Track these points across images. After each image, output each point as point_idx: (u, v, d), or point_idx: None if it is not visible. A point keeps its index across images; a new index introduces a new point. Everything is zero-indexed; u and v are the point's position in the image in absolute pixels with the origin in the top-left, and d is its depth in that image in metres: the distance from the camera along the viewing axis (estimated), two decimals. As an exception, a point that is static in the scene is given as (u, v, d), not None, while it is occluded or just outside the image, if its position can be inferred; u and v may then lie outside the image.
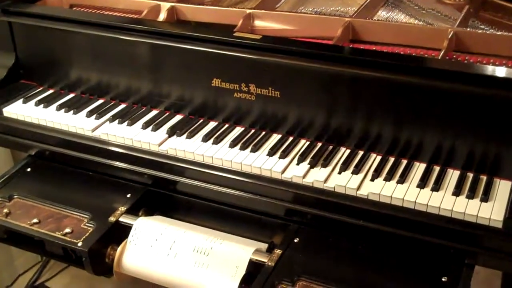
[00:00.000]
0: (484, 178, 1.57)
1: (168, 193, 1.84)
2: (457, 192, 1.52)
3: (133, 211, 1.80)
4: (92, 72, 2.05)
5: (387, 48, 1.83)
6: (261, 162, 1.68)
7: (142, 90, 1.97)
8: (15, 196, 1.87)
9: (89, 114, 1.95)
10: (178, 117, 1.92)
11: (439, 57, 1.71)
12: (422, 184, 1.55)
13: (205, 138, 1.79)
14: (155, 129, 1.86)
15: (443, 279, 1.47)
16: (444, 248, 1.50)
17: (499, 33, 1.82)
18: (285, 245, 1.62)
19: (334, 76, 1.68)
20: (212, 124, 1.87)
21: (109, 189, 1.88)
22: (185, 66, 1.87)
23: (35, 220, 1.76)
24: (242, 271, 1.57)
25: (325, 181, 1.60)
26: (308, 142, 1.75)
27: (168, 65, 1.90)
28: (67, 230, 1.72)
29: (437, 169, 1.62)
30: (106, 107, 1.99)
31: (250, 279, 1.55)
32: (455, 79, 1.55)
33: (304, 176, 1.62)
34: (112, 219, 1.74)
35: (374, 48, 1.84)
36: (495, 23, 1.92)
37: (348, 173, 1.62)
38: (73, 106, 2.00)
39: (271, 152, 1.71)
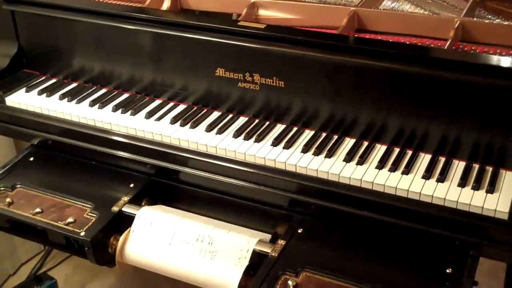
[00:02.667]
0: (490, 169, 1.56)
1: (171, 183, 1.83)
2: (462, 183, 1.51)
3: (136, 201, 1.79)
4: (95, 61, 2.04)
5: (392, 38, 1.81)
6: (265, 152, 1.67)
7: (146, 80, 1.96)
8: (18, 186, 1.87)
9: (92, 104, 1.94)
10: (181, 107, 1.91)
11: (445, 47, 1.69)
12: (427, 175, 1.54)
13: (209, 128, 1.78)
14: (159, 118, 1.85)
15: (447, 271, 1.47)
16: (449, 240, 1.50)
17: (505, 23, 1.81)
18: (289, 235, 1.61)
19: (339, 66, 1.66)
20: (216, 114, 1.86)
21: (112, 178, 1.88)
22: (188, 56, 1.86)
23: (38, 210, 1.76)
24: (245, 262, 1.56)
25: (330, 171, 1.59)
26: (312, 132, 1.74)
27: (172, 55, 1.89)
28: (70, 219, 1.71)
29: (442, 160, 1.61)
30: (109, 96, 1.98)
31: (254, 270, 1.54)
32: (461, 69, 1.54)
33: (308, 167, 1.61)
34: (115, 208, 1.74)
35: (379, 38, 1.82)
36: (502, 12, 1.90)
37: (352, 163, 1.61)
38: (76, 96, 1.99)
39: (275, 142, 1.70)
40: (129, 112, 1.89)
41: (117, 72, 2.01)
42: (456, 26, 1.75)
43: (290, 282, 1.47)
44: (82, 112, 1.91)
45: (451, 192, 1.49)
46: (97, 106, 1.93)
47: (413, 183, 1.53)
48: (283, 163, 1.63)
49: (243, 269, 1.55)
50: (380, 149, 1.66)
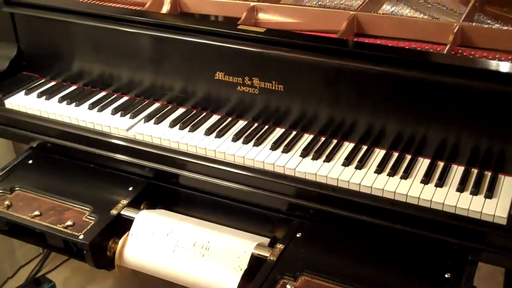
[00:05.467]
0: (488, 174, 1.56)
1: (170, 186, 1.83)
2: (461, 188, 1.51)
3: (135, 204, 1.79)
4: (95, 64, 2.04)
5: (392, 42, 1.81)
6: (264, 156, 1.67)
7: (145, 83, 1.96)
8: (17, 188, 1.87)
9: (91, 107, 1.94)
10: (180, 110, 1.90)
11: (445, 52, 1.69)
12: (426, 179, 1.54)
13: (208, 132, 1.78)
14: (158, 122, 1.84)
15: (446, 276, 1.46)
16: (447, 244, 1.49)
17: (505, 27, 1.81)
18: (288, 239, 1.61)
19: (338, 70, 1.66)
20: (215, 118, 1.85)
21: (111, 182, 1.87)
22: (188, 59, 1.86)
23: (37, 213, 1.75)
24: (244, 266, 1.56)
25: (328, 175, 1.59)
26: (311, 136, 1.74)
27: (171, 58, 1.89)
28: (69, 222, 1.71)
29: (441, 164, 1.61)
30: (109, 99, 1.98)
31: (252, 274, 1.54)
32: (461, 74, 1.54)
33: (307, 171, 1.61)
34: (114, 212, 1.74)
35: (378, 42, 1.83)
36: (501, 17, 1.90)
37: (351, 168, 1.61)
38: (75, 98, 1.99)
39: (274, 146, 1.70)
40: (128, 115, 1.89)
41: (117, 75, 2.01)
42: (455, 31, 1.75)
43: (288, 287, 1.47)
44: (81, 115, 1.91)
45: (449, 197, 1.49)
46: (96, 109, 1.93)
47: (411, 188, 1.52)
48: (282, 167, 1.63)
49: (242, 273, 1.55)
50: (379, 154, 1.66)
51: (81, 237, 1.66)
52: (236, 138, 1.75)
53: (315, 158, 1.65)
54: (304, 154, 1.66)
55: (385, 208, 1.52)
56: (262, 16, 2.02)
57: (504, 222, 1.43)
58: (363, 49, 1.71)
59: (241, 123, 1.82)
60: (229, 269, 1.57)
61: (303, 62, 1.69)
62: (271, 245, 1.63)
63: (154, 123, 1.84)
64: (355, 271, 1.52)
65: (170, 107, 1.92)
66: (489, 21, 1.88)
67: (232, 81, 1.79)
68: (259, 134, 1.76)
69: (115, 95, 2.01)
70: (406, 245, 1.56)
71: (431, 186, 1.53)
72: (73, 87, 2.08)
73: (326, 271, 1.51)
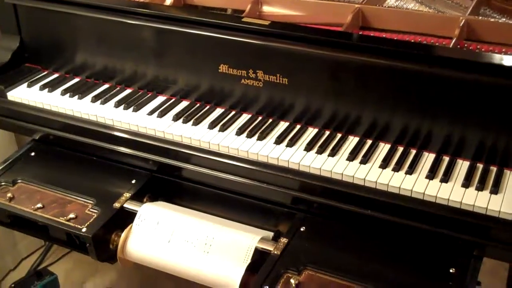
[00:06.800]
0: (494, 169, 1.55)
1: (173, 179, 1.83)
2: (466, 183, 1.50)
3: (138, 197, 1.79)
4: (98, 56, 2.03)
5: (397, 36, 1.80)
6: (268, 150, 1.66)
7: (148, 76, 1.95)
8: (19, 181, 1.86)
9: (94, 99, 1.93)
10: (184, 103, 1.90)
11: (450, 46, 1.68)
12: (431, 175, 1.53)
13: (212, 125, 1.77)
14: (161, 115, 1.84)
15: (450, 271, 1.46)
16: (452, 240, 1.49)
17: (511, 21, 1.79)
18: (291, 233, 1.61)
19: (343, 64, 1.65)
20: (218, 111, 1.85)
21: (114, 174, 1.87)
22: (192, 52, 1.85)
23: (39, 205, 1.75)
24: (247, 260, 1.56)
25: (333, 170, 1.58)
26: (316, 130, 1.74)
27: (175, 50, 1.88)
28: (71, 215, 1.71)
29: (446, 159, 1.60)
30: (112, 92, 1.97)
31: (256, 268, 1.54)
32: (466, 68, 1.53)
33: (311, 165, 1.60)
34: (116, 205, 1.73)
35: (384, 36, 1.82)
36: (507, 11, 1.89)
37: (356, 162, 1.60)
38: (78, 91, 1.98)
39: (278, 140, 1.69)
40: (131, 108, 1.88)
41: (120, 67, 2.00)
42: (461, 25, 1.74)
43: (292, 281, 1.47)
44: (84, 108, 1.90)
45: (455, 192, 1.48)
46: (99, 101, 1.92)
47: (416, 183, 1.52)
48: (286, 161, 1.62)
49: (245, 267, 1.54)
50: (383, 148, 1.66)
51: (84, 229, 1.66)
52: (240, 131, 1.74)
53: (320, 152, 1.64)
54: (309, 148, 1.66)
55: (390, 202, 1.51)
56: (266, 8, 2.01)
57: (509, 217, 1.42)
58: (368, 42, 1.70)
59: (245, 117, 1.81)
60: (232, 262, 1.57)
61: (308, 55, 1.68)
62: (275, 239, 1.62)
63: (158, 116, 1.83)
64: (358, 265, 1.52)
65: (173, 100, 1.91)
66: (495, 15, 1.86)
67: (236, 74, 1.78)
68: (263, 128, 1.75)
69: (118, 88, 2.00)
70: (410, 240, 1.55)
71: (436, 181, 1.52)
72: (76, 79, 2.07)
73: (330, 265, 1.51)
